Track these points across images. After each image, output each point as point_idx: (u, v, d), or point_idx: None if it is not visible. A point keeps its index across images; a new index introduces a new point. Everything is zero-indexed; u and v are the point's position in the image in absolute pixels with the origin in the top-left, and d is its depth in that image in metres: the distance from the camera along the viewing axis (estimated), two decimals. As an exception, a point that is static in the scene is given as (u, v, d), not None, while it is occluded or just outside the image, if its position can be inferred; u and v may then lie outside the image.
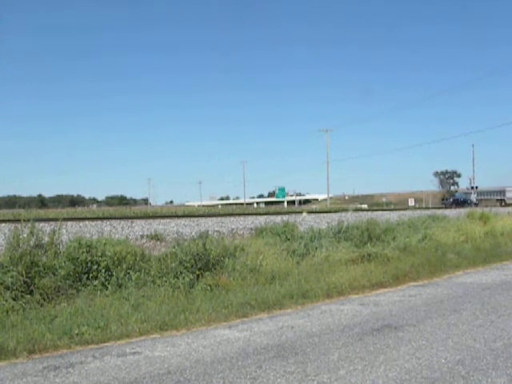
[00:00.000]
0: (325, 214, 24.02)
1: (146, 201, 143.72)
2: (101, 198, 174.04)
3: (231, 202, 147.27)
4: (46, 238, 8.30)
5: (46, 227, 9.60)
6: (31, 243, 7.91)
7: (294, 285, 8.35)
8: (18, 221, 9.83)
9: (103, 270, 7.84)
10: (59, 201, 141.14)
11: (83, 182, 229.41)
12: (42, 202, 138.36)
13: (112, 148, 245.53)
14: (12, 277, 6.93)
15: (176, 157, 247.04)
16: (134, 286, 7.74)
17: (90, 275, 7.76)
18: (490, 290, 8.32)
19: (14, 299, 6.67)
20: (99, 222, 15.80)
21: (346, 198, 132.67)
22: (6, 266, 7.20)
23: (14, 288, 6.85)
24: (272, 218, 18.82)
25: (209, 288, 7.95)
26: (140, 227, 14.03)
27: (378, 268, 10.03)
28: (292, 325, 6.21)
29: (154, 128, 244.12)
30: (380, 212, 26.75)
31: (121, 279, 7.87)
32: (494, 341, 5.27)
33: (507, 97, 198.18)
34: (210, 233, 12.05)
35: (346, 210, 27.90)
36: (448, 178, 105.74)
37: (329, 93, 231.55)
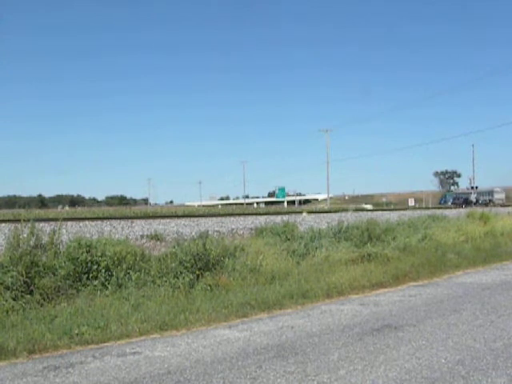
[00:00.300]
0: (325, 214, 24.03)
1: (146, 201, 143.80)
2: (101, 198, 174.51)
3: (231, 202, 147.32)
4: (46, 238, 8.30)
5: (46, 227, 9.61)
6: (31, 243, 7.92)
7: (293, 285, 8.35)
8: (18, 221, 9.84)
9: (103, 270, 7.85)
10: (59, 201, 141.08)
11: (83, 182, 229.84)
12: (42, 201, 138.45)
13: (112, 148, 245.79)
14: (12, 277, 6.94)
15: (176, 157, 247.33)
16: (134, 286, 7.74)
17: (90, 275, 7.76)
18: (490, 290, 8.32)
19: (14, 299, 6.67)
20: (99, 222, 15.81)
21: (346, 198, 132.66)
22: (6, 266, 7.20)
23: (14, 288, 6.85)
24: (272, 218, 18.83)
25: (209, 288, 7.95)
26: (140, 227, 14.04)
27: (378, 268, 10.03)
28: (292, 325, 6.21)
29: (154, 128, 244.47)
30: (380, 212, 26.76)
31: (121, 279, 7.87)
32: (494, 341, 5.27)
33: (507, 97, 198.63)
34: (209, 233, 12.06)
35: (346, 210, 27.90)
36: (448, 177, 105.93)
37: (329, 93, 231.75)
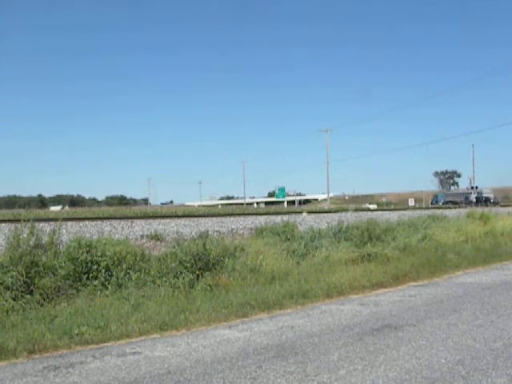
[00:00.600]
0: (325, 214, 24.03)
1: (146, 201, 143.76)
2: (101, 198, 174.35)
3: (231, 202, 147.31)
4: (46, 238, 8.30)
5: (46, 227, 9.61)
6: (31, 243, 7.92)
7: (294, 285, 8.35)
8: (18, 221, 9.83)
9: (103, 270, 7.85)
10: (59, 201, 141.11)
11: (83, 182, 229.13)
12: (42, 202, 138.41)
13: (112, 148, 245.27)
14: (12, 277, 6.94)
15: (176, 157, 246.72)
16: (134, 286, 7.74)
17: (90, 275, 7.76)
18: (490, 290, 8.32)
19: (14, 299, 6.67)
20: (99, 222, 15.80)
21: (346, 198, 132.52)
22: (6, 266, 7.20)
23: (14, 288, 6.85)
24: (272, 217, 18.82)
25: (209, 288, 7.95)
26: (140, 227, 14.04)
27: (377, 268, 10.03)
28: (292, 325, 6.21)
29: (154, 128, 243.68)
30: (380, 212, 26.75)
31: (121, 279, 7.87)
32: (494, 341, 5.27)
33: (507, 97, 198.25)
34: (209, 233, 12.06)
35: (346, 210, 27.90)
36: (448, 178, 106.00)
37: (329, 93, 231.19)
